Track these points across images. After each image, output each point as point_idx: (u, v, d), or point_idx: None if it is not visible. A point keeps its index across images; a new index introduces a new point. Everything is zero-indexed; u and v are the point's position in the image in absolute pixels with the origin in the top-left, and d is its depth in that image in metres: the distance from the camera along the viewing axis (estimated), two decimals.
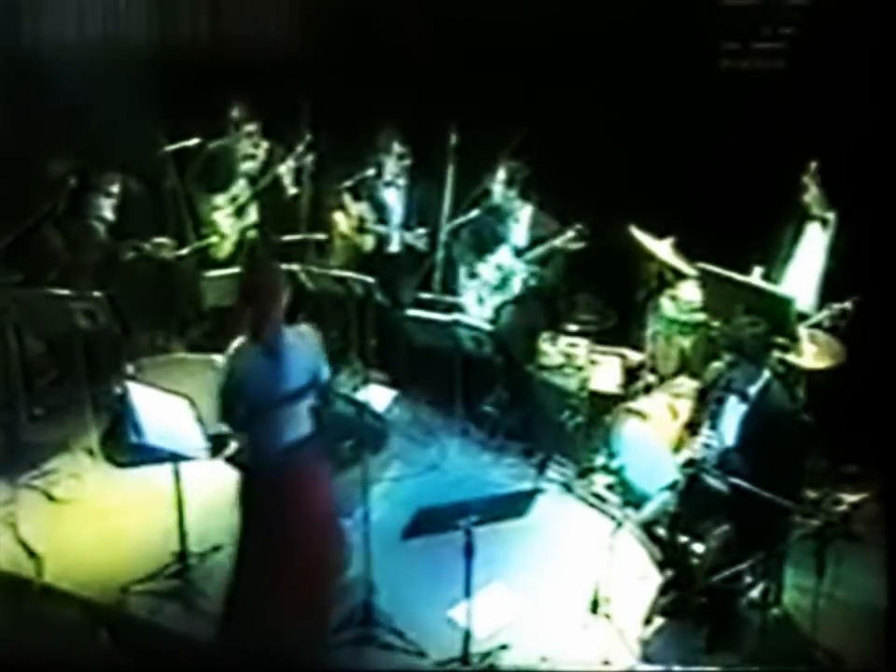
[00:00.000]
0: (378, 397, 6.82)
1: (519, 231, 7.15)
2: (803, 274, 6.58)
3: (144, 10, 8.00)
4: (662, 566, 5.85)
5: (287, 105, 7.38)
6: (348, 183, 7.50)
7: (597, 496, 6.63)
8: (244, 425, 5.30)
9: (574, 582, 5.91)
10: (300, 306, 6.70)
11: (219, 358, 6.79)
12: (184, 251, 7.45)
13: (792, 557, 5.67)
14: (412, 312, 7.03)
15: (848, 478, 6.45)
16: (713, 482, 5.62)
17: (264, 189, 7.68)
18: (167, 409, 5.53)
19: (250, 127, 7.61)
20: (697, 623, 5.59)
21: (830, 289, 6.42)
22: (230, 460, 6.68)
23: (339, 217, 7.62)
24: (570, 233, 6.91)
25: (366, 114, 7.47)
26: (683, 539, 5.63)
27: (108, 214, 7.44)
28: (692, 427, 5.89)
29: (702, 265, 6.61)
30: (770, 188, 6.65)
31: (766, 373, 5.67)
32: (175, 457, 5.71)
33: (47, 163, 7.33)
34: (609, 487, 6.60)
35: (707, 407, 5.79)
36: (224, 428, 6.66)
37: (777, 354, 5.97)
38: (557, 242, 6.96)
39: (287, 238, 7.54)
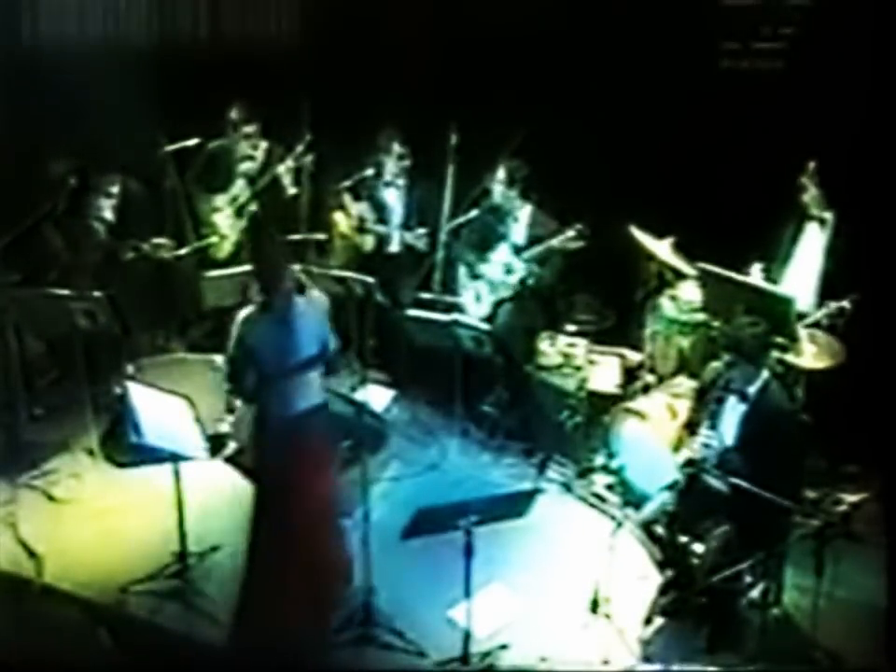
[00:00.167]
0: (377, 396, 6.82)
1: (518, 230, 7.15)
2: (802, 274, 6.59)
3: (144, 11, 7.99)
4: (662, 566, 5.86)
5: (286, 105, 7.37)
6: (348, 183, 7.49)
7: (597, 496, 6.63)
8: (253, 394, 5.31)
9: (574, 582, 5.91)
10: None
11: (219, 358, 6.86)
12: (183, 251, 7.44)
13: (792, 557, 5.67)
14: (411, 312, 7.03)
15: (848, 478, 6.46)
16: (713, 481, 5.63)
17: (264, 190, 7.68)
18: (167, 409, 5.54)
19: (249, 127, 7.60)
20: (697, 623, 5.59)
21: (828, 289, 6.42)
22: (229, 460, 6.72)
23: (339, 216, 7.62)
24: (569, 233, 6.91)
25: (366, 114, 7.47)
26: (683, 538, 5.63)
27: (108, 214, 7.43)
28: (691, 427, 5.89)
29: (701, 265, 6.61)
30: (769, 187, 6.65)
31: (765, 373, 5.67)
32: (175, 457, 5.71)
33: (47, 163, 7.32)
34: (609, 487, 6.60)
35: (706, 407, 5.80)
36: (223, 429, 6.72)
37: (776, 354, 5.98)
38: (556, 241, 6.95)
39: (287, 238, 7.54)
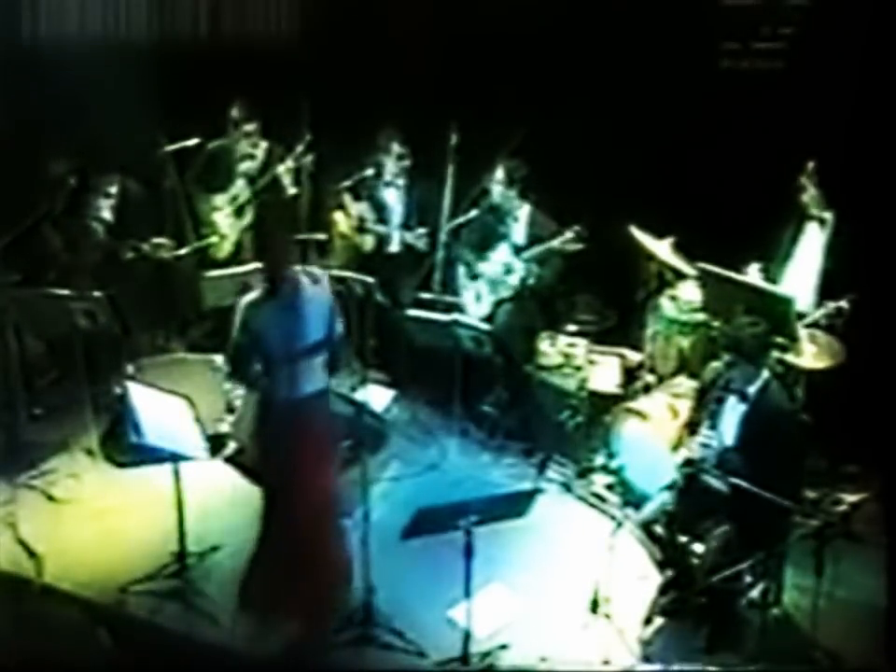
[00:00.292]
0: (377, 396, 6.82)
1: (518, 229, 7.15)
2: (801, 274, 6.59)
3: (143, 10, 8.00)
4: (662, 566, 5.85)
5: (286, 104, 7.38)
6: (348, 183, 7.50)
7: (597, 496, 6.63)
8: (256, 380, 5.31)
9: (574, 582, 5.90)
10: None
11: (219, 358, 6.86)
12: (183, 251, 7.44)
13: (792, 557, 5.67)
14: (411, 312, 7.03)
15: (848, 478, 6.46)
16: (713, 481, 5.63)
17: (263, 189, 7.68)
18: (167, 409, 5.54)
19: (249, 127, 7.60)
20: (697, 622, 5.59)
21: (828, 289, 6.42)
22: (229, 460, 6.72)
23: (339, 216, 7.62)
24: (568, 234, 6.91)
25: (366, 114, 7.47)
26: (683, 538, 5.63)
27: (107, 214, 7.43)
28: (691, 427, 5.89)
29: (702, 265, 6.61)
30: (769, 187, 6.65)
31: (765, 373, 5.67)
32: (175, 457, 5.71)
33: (46, 163, 7.32)
34: (609, 487, 6.60)
35: (706, 407, 5.80)
36: (223, 429, 6.72)
37: (776, 354, 5.98)
38: (555, 243, 6.95)
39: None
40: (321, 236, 7.60)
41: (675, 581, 5.68)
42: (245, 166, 7.72)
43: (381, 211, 7.54)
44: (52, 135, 7.54)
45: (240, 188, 7.73)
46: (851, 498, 5.55)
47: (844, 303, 6.27)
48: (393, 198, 7.53)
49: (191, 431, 5.48)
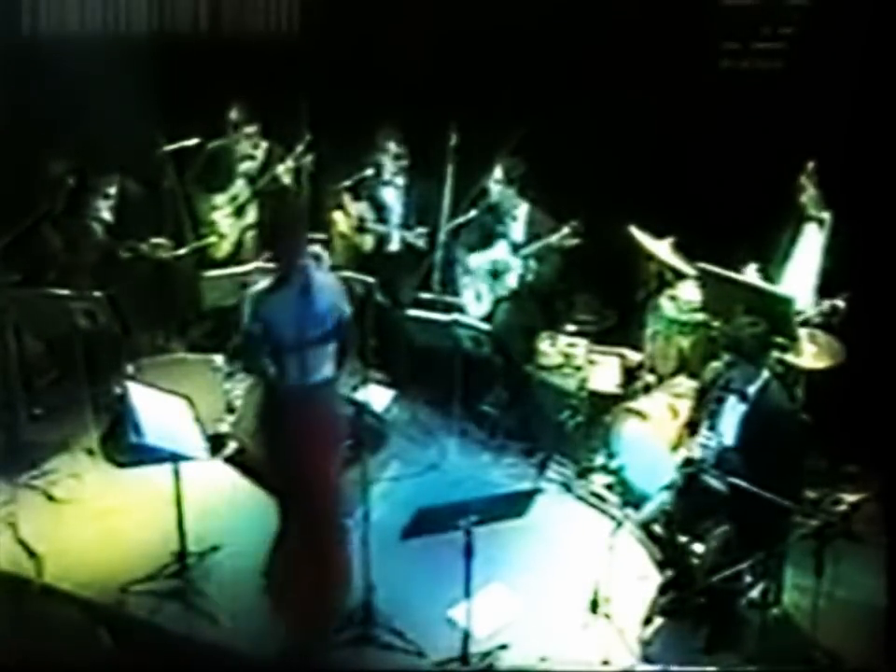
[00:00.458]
0: (377, 396, 6.82)
1: (517, 228, 7.15)
2: (800, 274, 6.58)
3: (143, 10, 8.00)
4: (662, 566, 5.86)
5: (286, 105, 7.38)
6: (348, 183, 7.50)
7: (597, 495, 6.63)
8: (264, 368, 5.31)
9: (574, 582, 5.91)
10: None
11: (219, 358, 6.86)
12: (182, 251, 7.44)
13: (792, 557, 5.66)
14: (411, 312, 7.03)
15: (848, 478, 6.46)
16: (712, 481, 5.62)
17: (263, 189, 7.68)
18: (167, 409, 5.54)
19: (249, 127, 7.61)
20: (697, 623, 5.59)
21: (827, 289, 6.42)
22: (229, 460, 6.73)
23: (338, 216, 7.63)
24: (565, 230, 6.91)
25: (365, 114, 7.47)
26: (683, 538, 5.63)
27: (106, 214, 7.44)
28: (691, 427, 5.89)
29: (701, 265, 6.61)
30: (768, 187, 6.65)
31: (765, 373, 5.67)
32: (175, 457, 5.71)
33: (46, 163, 7.32)
34: (609, 487, 6.60)
35: (706, 407, 5.80)
36: (223, 429, 6.73)
37: (776, 354, 5.98)
38: (553, 239, 6.95)
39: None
40: (321, 236, 7.60)
41: (675, 581, 5.68)
42: (245, 166, 7.73)
43: (380, 211, 7.54)
44: (52, 135, 7.53)
45: (240, 187, 7.73)
46: (851, 498, 5.54)
47: (839, 301, 6.27)
48: (392, 198, 7.53)
49: (191, 431, 5.49)
